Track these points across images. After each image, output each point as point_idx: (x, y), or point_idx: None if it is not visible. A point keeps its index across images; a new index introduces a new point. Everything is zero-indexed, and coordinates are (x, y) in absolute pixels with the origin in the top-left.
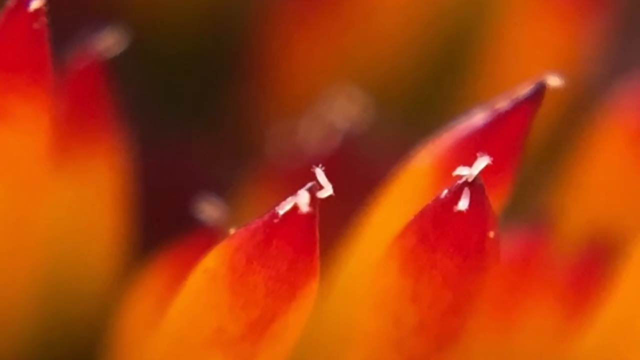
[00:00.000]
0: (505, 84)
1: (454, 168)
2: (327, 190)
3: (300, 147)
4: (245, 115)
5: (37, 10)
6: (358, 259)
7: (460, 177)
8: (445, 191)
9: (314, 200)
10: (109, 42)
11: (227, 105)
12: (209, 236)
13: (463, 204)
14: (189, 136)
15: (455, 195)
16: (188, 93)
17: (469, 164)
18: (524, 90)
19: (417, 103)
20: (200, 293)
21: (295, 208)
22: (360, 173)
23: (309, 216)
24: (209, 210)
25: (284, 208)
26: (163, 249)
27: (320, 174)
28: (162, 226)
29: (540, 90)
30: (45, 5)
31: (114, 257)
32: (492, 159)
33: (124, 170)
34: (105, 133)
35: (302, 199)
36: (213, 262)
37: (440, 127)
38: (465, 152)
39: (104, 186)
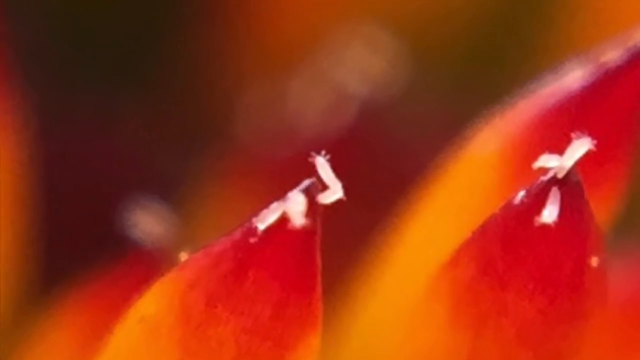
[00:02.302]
0: (613, 25)
1: (535, 157)
2: (334, 192)
3: (291, 123)
4: (203, 74)
5: None
6: (384, 300)
7: (545, 170)
8: (522, 193)
9: (313, 207)
10: None
11: (173, 60)
12: (146, 264)
13: (549, 214)
14: (116, 107)
15: (537, 200)
16: (113, 41)
17: (559, 150)
18: None
19: (473, 54)
20: (134, 353)
21: (283, 220)
22: (387, 164)
23: (306, 233)
24: (146, 221)
25: (265, 220)
26: (75, 283)
27: (323, 165)
28: (74, 247)
29: None
30: None
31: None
32: (595, 142)
33: (14, 160)
34: None
35: (294, 206)
36: (154, 306)
37: (511, 93)
38: (552, 132)
39: None
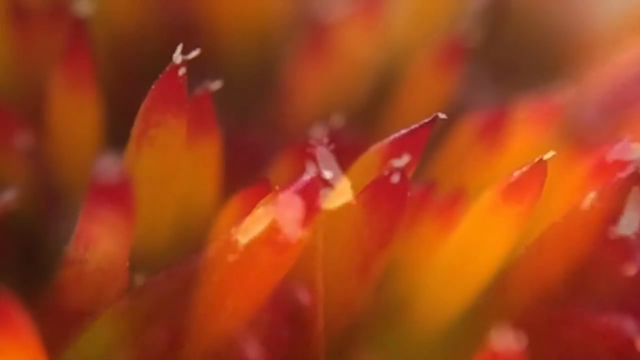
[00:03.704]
0: None
1: (609, 147)
2: (340, 193)
3: (284, 101)
4: (169, 34)
5: None
6: (407, 339)
7: (622, 164)
8: (592, 196)
9: (312, 212)
10: None
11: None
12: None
13: (629, 223)
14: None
15: (613, 205)
16: None
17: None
18: None
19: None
20: None
21: (273, 230)
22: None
23: (303, 247)
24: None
25: (249, 230)
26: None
27: (326, 157)
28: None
29: None
30: None
31: None
32: None
33: None
34: None
35: (288, 211)
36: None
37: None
38: (631, 112)
39: None
